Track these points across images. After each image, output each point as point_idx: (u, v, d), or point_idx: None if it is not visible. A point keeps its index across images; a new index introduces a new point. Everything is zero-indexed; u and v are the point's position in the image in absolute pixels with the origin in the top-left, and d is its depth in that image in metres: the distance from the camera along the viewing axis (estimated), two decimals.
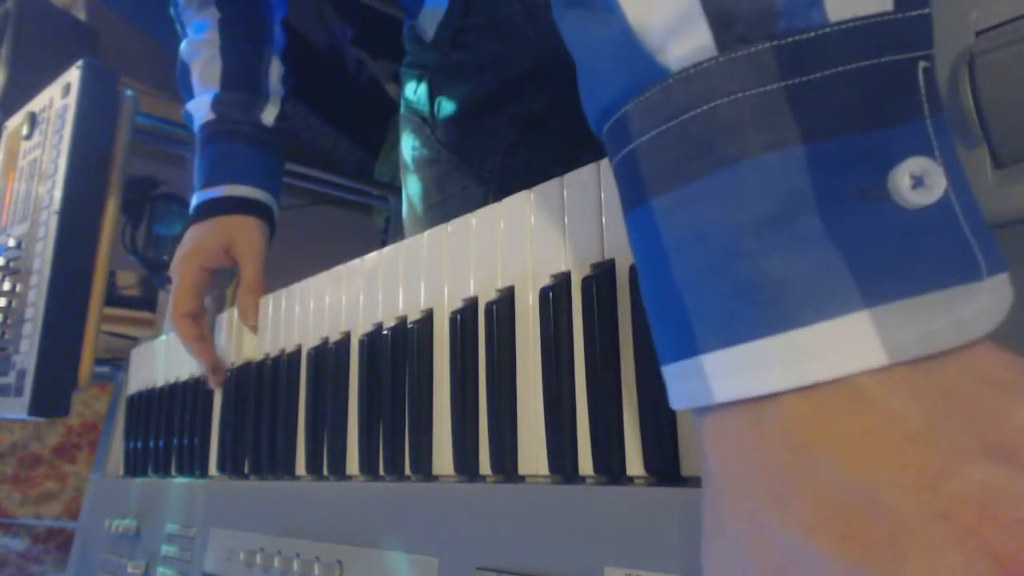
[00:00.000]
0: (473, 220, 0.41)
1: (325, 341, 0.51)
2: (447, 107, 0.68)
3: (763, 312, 0.17)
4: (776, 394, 0.17)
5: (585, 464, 0.32)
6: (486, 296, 0.39)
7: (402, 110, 0.74)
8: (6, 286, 0.75)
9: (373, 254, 0.49)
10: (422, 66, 0.70)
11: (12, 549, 1.73)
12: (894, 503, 0.15)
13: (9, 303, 0.74)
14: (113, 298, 1.36)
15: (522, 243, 0.38)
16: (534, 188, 0.38)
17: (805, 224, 0.17)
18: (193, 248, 0.64)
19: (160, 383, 0.72)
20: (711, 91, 0.18)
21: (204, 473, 0.62)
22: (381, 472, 0.43)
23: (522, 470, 0.35)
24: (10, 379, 0.70)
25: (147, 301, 1.42)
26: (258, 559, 0.47)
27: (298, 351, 0.54)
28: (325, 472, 0.48)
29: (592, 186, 0.35)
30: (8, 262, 0.76)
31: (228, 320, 0.64)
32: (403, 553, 0.37)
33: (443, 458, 0.39)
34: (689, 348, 0.19)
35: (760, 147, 0.18)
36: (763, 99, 0.18)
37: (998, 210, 0.23)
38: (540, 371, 0.35)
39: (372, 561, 0.39)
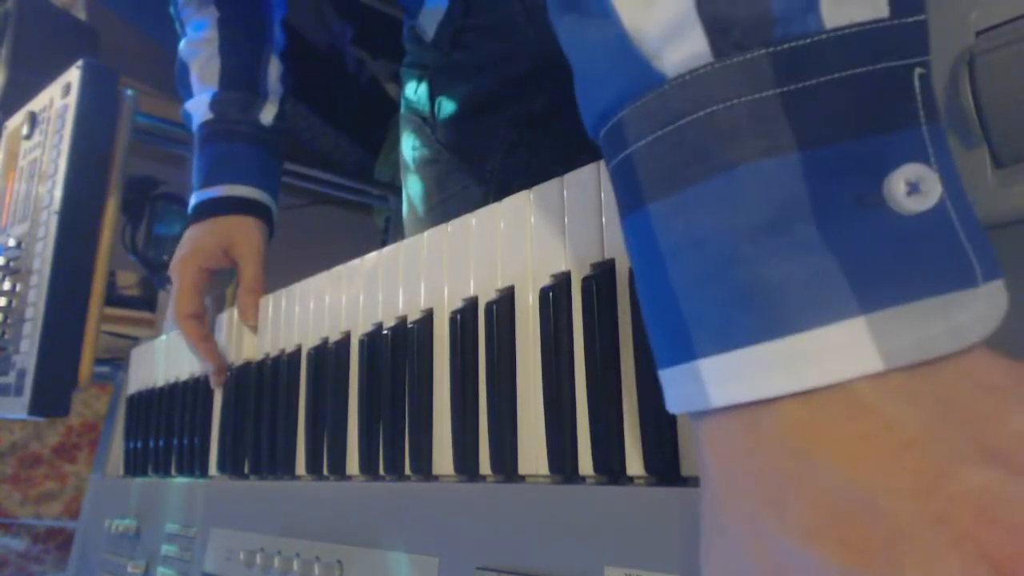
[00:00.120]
0: (473, 220, 0.41)
1: (325, 341, 0.51)
2: (447, 107, 0.67)
3: (759, 318, 0.17)
4: (773, 399, 0.17)
5: (585, 464, 0.32)
6: (486, 296, 0.39)
7: (402, 110, 0.74)
8: (6, 286, 0.75)
9: (373, 254, 0.49)
10: (422, 66, 0.70)
11: (12, 549, 1.73)
12: (891, 508, 0.16)
13: (9, 303, 0.74)
14: (113, 298, 1.36)
15: (522, 243, 0.38)
16: (534, 188, 0.38)
17: (801, 230, 0.17)
18: (192, 249, 0.64)
19: (160, 383, 0.72)
20: (707, 97, 0.18)
21: (204, 473, 0.62)
22: (381, 472, 0.43)
23: (522, 470, 0.35)
24: (10, 379, 0.71)
25: (147, 301, 1.42)
26: (258, 559, 0.47)
27: (298, 351, 0.54)
28: (325, 472, 0.48)
29: (592, 186, 0.35)
30: (8, 262, 0.76)
31: (228, 320, 0.64)
32: (403, 553, 0.37)
33: (443, 458, 0.39)
34: (686, 353, 0.19)
35: (756, 153, 0.18)
36: (759, 105, 0.18)
37: (998, 210, 0.23)
38: (540, 371, 0.35)
39: (372, 561, 0.39)
